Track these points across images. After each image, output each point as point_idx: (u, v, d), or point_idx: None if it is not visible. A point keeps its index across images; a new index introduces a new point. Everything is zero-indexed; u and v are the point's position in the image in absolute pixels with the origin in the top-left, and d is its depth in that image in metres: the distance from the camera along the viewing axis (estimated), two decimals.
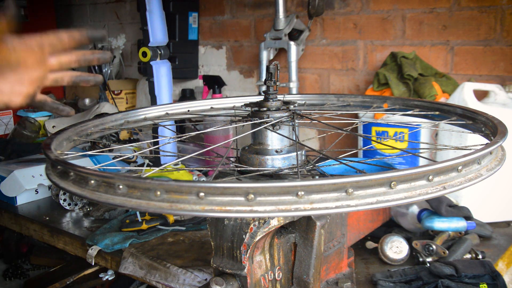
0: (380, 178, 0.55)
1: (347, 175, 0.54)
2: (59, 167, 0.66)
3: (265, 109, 0.85)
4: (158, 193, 0.55)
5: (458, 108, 0.95)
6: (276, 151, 0.83)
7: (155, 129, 1.53)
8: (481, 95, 1.47)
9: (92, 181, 0.59)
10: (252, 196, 0.53)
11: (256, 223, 0.75)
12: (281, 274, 0.85)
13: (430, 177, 0.57)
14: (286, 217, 0.77)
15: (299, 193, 0.53)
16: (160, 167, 0.76)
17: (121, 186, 0.57)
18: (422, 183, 0.57)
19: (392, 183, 0.55)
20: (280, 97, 1.17)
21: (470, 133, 0.90)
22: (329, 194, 0.54)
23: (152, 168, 0.76)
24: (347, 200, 0.54)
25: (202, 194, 0.54)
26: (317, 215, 0.82)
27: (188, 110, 1.14)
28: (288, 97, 1.17)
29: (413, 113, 1.02)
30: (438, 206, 1.20)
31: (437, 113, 0.99)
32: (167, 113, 1.10)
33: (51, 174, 0.67)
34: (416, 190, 0.57)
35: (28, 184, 1.61)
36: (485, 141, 0.80)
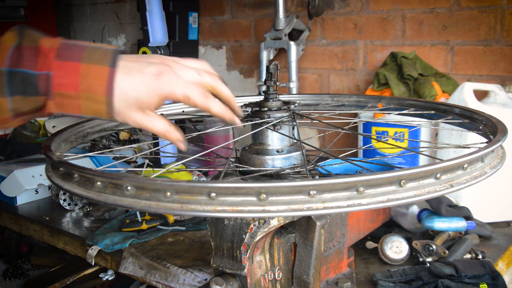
0: (390, 176, 0.55)
1: (357, 174, 0.55)
2: (61, 168, 0.65)
3: (265, 109, 0.85)
4: (168, 194, 0.54)
5: (455, 107, 0.95)
6: (277, 151, 0.83)
7: None
8: (481, 95, 1.47)
9: (99, 183, 0.58)
10: (264, 196, 0.53)
11: (256, 223, 0.75)
12: (281, 274, 0.85)
13: (438, 175, 0.58)
14: (299, 216, 0.77)
15: (311, 192, 0.53)
16: (167, 169, 0.75)
17: (129, 188, 0.56)
18: (431, 181, 0.58)
19: (402, 181, 0.56)
20: None
21: (468, 131, 0.90)
22: (340, 193, 0.54)
23: (152, 168, 0.76)
24: (359, 199, 0.54)
25: (213, 194, 0.53)
26: (321, 215, 0.82)
27: (183, 111, 1.13)
28: (282, 97, 1.17)
29: (408, 112, 1.03)
30: (438, 206, 1.20)
31: (432, 112, 0.99)
32: (161, 114, 1.11)
33: (53, 176, 0.66)
34: (425, 188, 0.57)
35: (28, 184, 1.61)
36: (484, 139, 0.81)
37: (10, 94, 0.61)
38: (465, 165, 0.61)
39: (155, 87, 0.63)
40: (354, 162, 0.90)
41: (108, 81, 0.62)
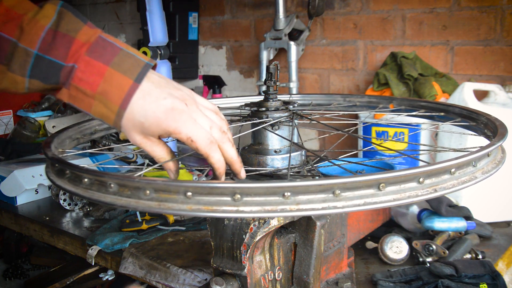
0: (368, 179, 0.54)
1: (334, 176, 0.54)
2: (56, 165, 0.67)
3: (264, 109, 0.85)
4: (148, 192, 0.55)
5: (463, 109, 0.94)
6: (275, 151, 0.83)
7: None
8: (481, 95, 1.47)
9: (86, 180, 0.60)
10: (239, 196, 0.53)
11: (256, 223, 0.75)
12: (281, 274, 0.85)
13: (421, 179, 0.57)
14: (271, 217, 0.77)
15: (286, 194, 0.53)
16: (155, 166, 0.75)
17: (112, 185, 0.57)
18: (412, 185, 0.56)
19: (381, 185, 0.55)
20: (286, 97, 1.17)
21: (474, 134, 0.89)
22: (316, 195, 0.54)
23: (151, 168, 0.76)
24: (334, 202, 0.54)
25: (189, 193, 0.54)
26: (309, 216, 0.82)
27: None
28: (294, 97, 1.17)
29: (418, 114, 1.02)
30: (438, 206, 1.20)
31: (442, 114, 0.98)
32: None
33: (50, 172, 0.68)
34: (406, 193, 0.56)
35: (28, 184, 1.61)
36: (487, 142, 0.80)
37: (29, 76, 0.62)
38: (452, 170, 0.59)
39: (162, 121, 0.63)
40: (349, 164, 0.90)
41: (127, 94, 0.62)
